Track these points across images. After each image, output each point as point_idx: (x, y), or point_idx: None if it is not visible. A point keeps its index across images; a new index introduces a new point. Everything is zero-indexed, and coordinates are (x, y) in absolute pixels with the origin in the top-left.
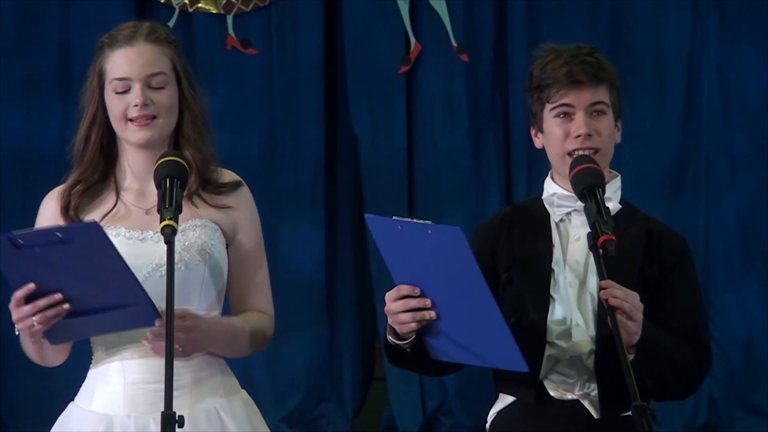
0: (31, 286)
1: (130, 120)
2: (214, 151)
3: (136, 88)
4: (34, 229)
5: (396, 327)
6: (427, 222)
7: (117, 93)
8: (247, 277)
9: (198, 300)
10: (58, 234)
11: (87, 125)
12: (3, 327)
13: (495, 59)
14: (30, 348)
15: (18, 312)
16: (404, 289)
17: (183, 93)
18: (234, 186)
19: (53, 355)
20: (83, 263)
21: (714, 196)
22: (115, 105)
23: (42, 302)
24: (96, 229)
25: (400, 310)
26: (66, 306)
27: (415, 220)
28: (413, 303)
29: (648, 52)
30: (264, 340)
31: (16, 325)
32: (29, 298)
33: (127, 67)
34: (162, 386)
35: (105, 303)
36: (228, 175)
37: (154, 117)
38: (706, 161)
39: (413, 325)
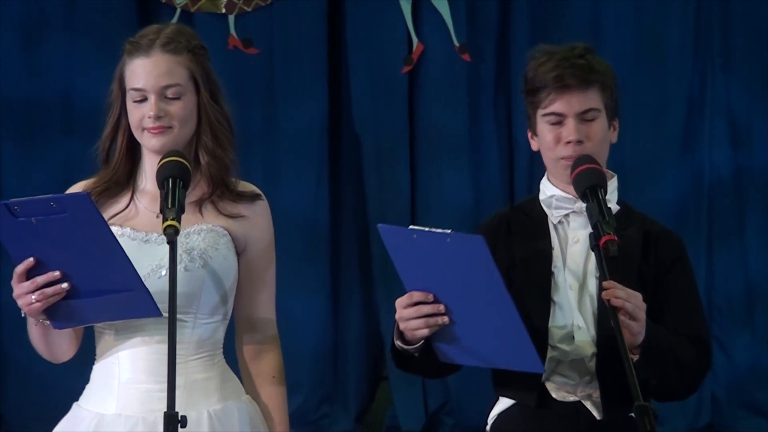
0: (30, 260)
1: (147, 129)
2: (234, 159)
3: (151, 99)
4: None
5: (408, 333)
6: (445, 231)
7: (134, 102)
8: (257, 299)
9: (198, 303)
10: (52, 203)
11: (112, 127)
12: (5, 327)
13: (498, 59)
14: (36, 337)
15: (18, 288)
16: (416, 295)
17: (201, 102)
18: (252, 197)
19: (60, 347)
20: (78, 239)
21: (717, 191)
22: (132, 114)
23: (41, 279)
24: (85, 200)
25: (412, 316)
26: (64, 285)
27: (432, 230)
28: (426, 309)
29: (650, 53)
30: (283, 372)
31: (18, 303)
32: (30, 277)
33: (143, 79)
34: (153, 387)
35: (103, 286)
36: (247, 186)
37: (169, 127)
38: (710, 158)
39: (425, 331)
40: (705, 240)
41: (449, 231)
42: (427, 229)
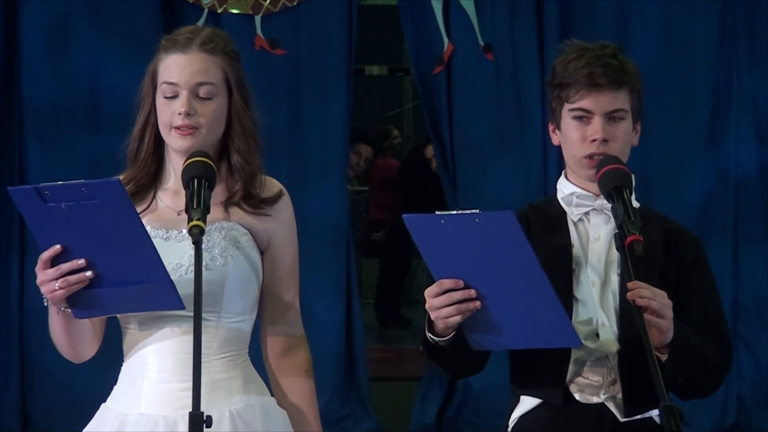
0: (57, 247)
1: (175, 128)
2: (260, 166)
3: (183, 95)
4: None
5: (439, 323)
6: (473, 211)
7: (165, 97)
8: (284, 295)
9: (221, 302)
10: (83, 189)
11: (141, 124)
12: (30, 328)
13: (528, 58)
14: (57, 329)
15: (42, 274)
16: (446, 283)
17: (233, 105)
18: (275, 199)
19: (81, 342)
20: (107, 227)
21: (743, 191)
22: (162, 111)
23: (65, 266)
24: (117, 186)
25: (443, 304)
26: (89, 273)
27: (460, 212)
28: (457, 296)
29: (675, 56)
30: (312, 365)
31: (41, 290)
32: (55, 264)
33: (177, 73)
34: (176, 386)
35: (127, 276)
36: (271, 185)
37: (197, 128)
38: (736, 158)
39: (458, 318)
40: (731, 238)
41: (477, 211)
42: (454, 212)
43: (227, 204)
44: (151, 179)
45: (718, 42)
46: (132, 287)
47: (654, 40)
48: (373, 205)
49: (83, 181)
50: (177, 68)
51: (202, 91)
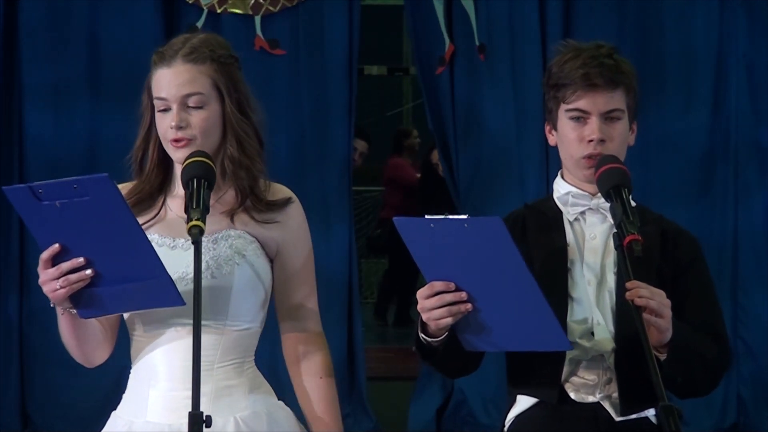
0: (56, 246)
1: (172, 140)
2: (262, 170)
3: (173, 109)
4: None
5: (431, 324)
6: (462, 216)
7: (159, 111)
8: (295, 296)
9: (227, 311)
10: (74, 186)
11: (143, 137)
12: (31, 329)
13: (530, 58)
14: (66, 332)
15: (44, 274)
16: (438, 285)
17: (226, 112)
18: (283, 204)
19: (91, 345)
20: (101, 224)
21: (743, 193)
22: (159, 125)
23: (65, 265)
24: (106, 182)
25: (434, 306)
26: (88, 272)
27: (449, 217)
28: (449, 298)
29: (676, 49)
30: (331, 367)
31: (44, 291)
32: (56, 263)
33: (165, 88)
34: (183, 393)
35: (126, 274)
36: (279, 191)
37: (192, 139)
38: (735, 158)
39: (449, 320)
40: (731, 236)
41: (465, 216)
42: (443, 217)
43: (232, 213)
44: (158, 189)
45: (717, 37)
46: (131, 285)
47: (652, 39)
48: (384, 204)
49: (74, 178)
50: (164, 83)
51: (191, 102)
